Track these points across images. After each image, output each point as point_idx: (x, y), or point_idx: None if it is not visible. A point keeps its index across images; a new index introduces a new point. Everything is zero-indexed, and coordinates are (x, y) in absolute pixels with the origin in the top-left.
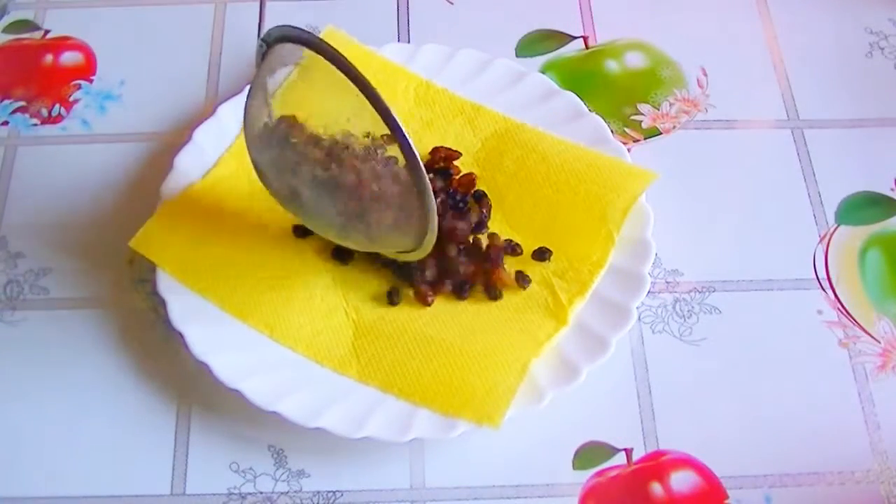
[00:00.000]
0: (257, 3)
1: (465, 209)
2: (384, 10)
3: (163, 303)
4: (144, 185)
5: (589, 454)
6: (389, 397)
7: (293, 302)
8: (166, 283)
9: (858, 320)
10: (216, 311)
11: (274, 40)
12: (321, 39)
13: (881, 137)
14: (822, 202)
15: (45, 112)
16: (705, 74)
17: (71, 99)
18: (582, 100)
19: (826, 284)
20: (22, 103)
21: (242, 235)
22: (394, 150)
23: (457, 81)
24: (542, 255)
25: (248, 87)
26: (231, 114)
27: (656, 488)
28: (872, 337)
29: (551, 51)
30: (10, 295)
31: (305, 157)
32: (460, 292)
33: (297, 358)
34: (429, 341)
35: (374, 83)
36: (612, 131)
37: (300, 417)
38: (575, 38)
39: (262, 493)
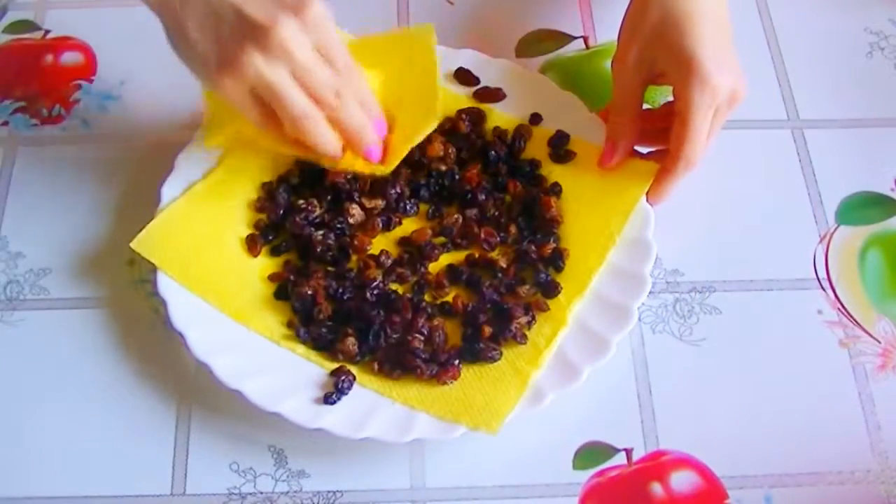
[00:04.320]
0: None
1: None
2: (384, 9)
3: (163, 303)
4: (144, 185)
5: (589, 454)
6: (390, 399)
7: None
8: (167, 284)
9: (858, 320)
10: (217, 312)
11: None
12: None
13: (881, 137)
14: (822, 202)
15: (45, 112)
16: None
17: (71, 99)
18: (582, 100)
19: (826, 284)
20: (22, 103)
21: (243, 238)
22: None
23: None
24: (551, 289)
25: None
26: None
27: (656, 488)
28: (872, 337)
29: (551, 51)
30: (10, 295)
31: None
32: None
33: (297, 359)
34: None
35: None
36: None
37: (301, 418)
38: (575, 38)
39: (262, 493)
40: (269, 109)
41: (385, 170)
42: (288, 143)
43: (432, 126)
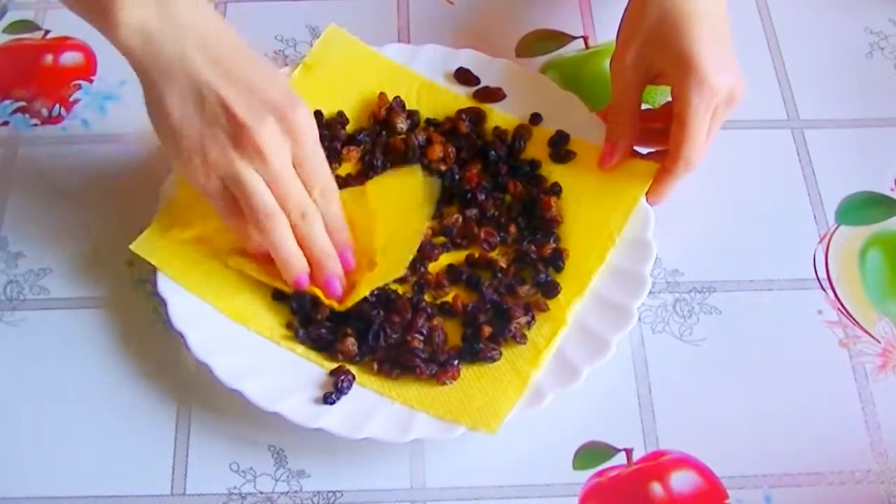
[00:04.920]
0: (257, 3)
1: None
2: (384, 10)
3: (163, 303)
4: (144, 186)
5: (589, 454)
6: (389, 398)
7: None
8: (167, 284)
9: (858, 320)
10: (217, 313)
11: None
12: None
13: (881, 137)
14: (822, 202)
15: (45, 112)
16: None
17: (71, 99)
18: (582, 100)
19: (826, 284)
20: (22, 103)
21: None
22: None
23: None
24: (551, 289)
25: None
26: None
27: (656, 488)
28: (872, 337)
29: (551, 51)
30: (10, 295)
31: None
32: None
33: (297, 359)
34: None
35: (377, 83)
36: None
37: (301, 418)
38: (575, 38)
39: (262, 493)
40: (234, 202)
41: (340, 307)
42: (249, 255)
43: (398, 275)
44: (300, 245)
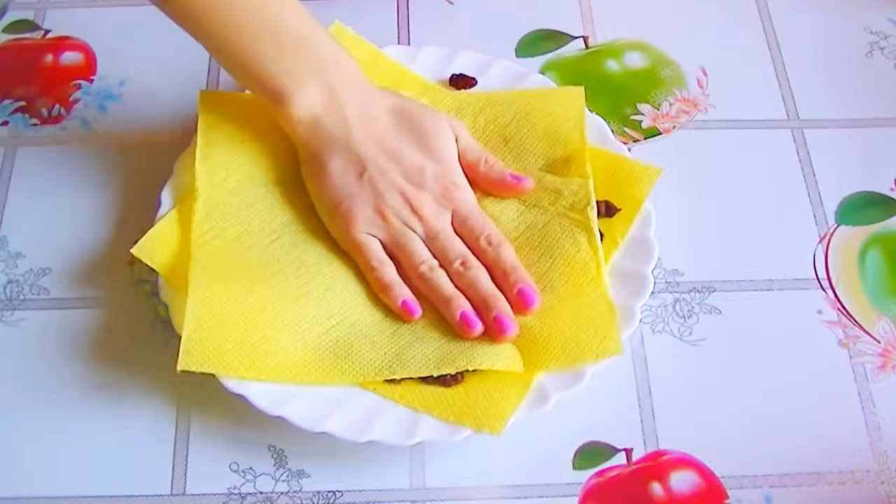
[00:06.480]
0: None
1: None
2: (384, 10)
3: (164, 305)
4: (144, 185)
5: (589, 454)
6: (393, 401)
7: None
8: (168, 287)
9: (858, 320)
10: None
11: None
12: None
13: (881, 137)
14: (822, 202)
15: (45, 112)
16: (705, 74)
17: (71, 99)
18: None
19: (826, 284)
20: (22, 103)
21: None
22: None
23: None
24: None
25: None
26: None
27: (656, 488)
28: (872, 337)
29: (551, 51)
30: (10, 295)
31: None
32: None
33: None
34: None
35: (381, 83)
36: (612, 131)
37: (305, 422)
38: (575, 38)
39: (262, 493)
40: (387, 257)
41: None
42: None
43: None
44: (465, 294)
